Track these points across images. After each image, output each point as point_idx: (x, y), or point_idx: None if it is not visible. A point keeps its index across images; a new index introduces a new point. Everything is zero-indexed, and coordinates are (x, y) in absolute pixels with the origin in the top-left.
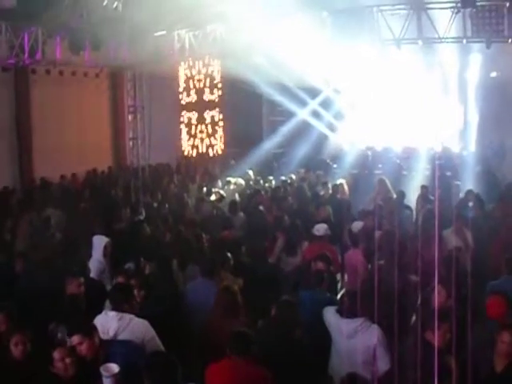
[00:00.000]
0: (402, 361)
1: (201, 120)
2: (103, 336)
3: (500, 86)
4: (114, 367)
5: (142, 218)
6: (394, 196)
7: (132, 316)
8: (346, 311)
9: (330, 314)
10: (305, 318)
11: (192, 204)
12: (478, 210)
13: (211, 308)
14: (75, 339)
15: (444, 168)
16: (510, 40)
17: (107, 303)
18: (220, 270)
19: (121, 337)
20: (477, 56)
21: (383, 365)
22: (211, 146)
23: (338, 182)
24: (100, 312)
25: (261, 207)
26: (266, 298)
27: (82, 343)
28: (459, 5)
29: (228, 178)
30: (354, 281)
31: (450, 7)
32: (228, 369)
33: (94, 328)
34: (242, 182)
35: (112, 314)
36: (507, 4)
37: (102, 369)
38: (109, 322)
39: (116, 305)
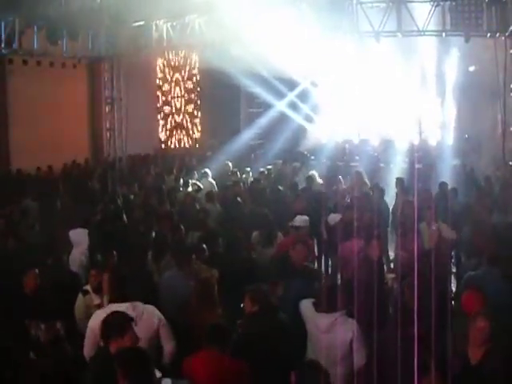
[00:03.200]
0: (379, 355)
1: (178, 111)
2: None
3: (478, 80)
4: None
5: (117, 209)
6: (369, 186)
7: (140, 303)
8: (322, 305)
9: (305, 308)
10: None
11: (169, 195)
12: (454, 200)
13: (187, 300)
14: None
15: (421, 161)
16: (488, 34)
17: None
18: (195, 261)
19: (140, 324)
20: (455, 50)
21: (359, 359)
22: (188, 137)
23: (310, 173)
24: (73, 302)
25: (238, 199)
26: (242, 290)
27: None
28: None
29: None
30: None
31: (430, 0)
32: (205, 362)
33: None
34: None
35: (122, 305)
36: None
37: None
38: None
39: (119, 297)
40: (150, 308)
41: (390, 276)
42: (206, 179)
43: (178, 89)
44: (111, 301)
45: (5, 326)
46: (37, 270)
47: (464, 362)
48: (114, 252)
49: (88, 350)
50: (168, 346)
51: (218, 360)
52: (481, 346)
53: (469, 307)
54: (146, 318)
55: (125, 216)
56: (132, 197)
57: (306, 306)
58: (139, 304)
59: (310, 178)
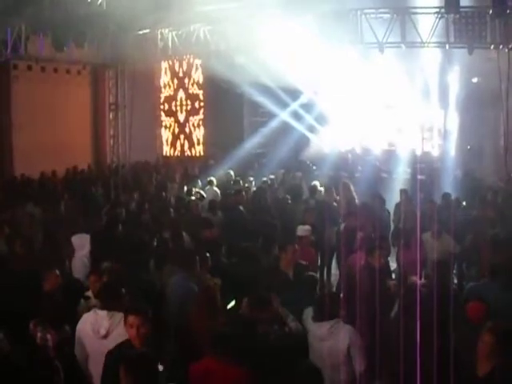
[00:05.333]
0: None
1: (181, 119)
2: (94, 335)
3: (481, 92)
4: None
5: (120, 216)
6: (355, 199)
7: (121, 314)
8: (317, 314)
9: (306, 317)
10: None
11: (171, 203)
12: (457, 211)
13: (191, 307)
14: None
15: (424, 172)
16: (492, 46)
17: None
18: (199, 270)
19: (112, 335)
20: (459, 61)
21: (359, 365)
22: (191, 145)
23: (313, 183)
24: (75, 309)
25: (241, 207)
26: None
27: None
28: (443, 10)
29: (210, 178)
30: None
31: (434, 12)
32: (209, 369)
33: None
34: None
35: (102, 312)
36: (490, 10)
37: None
38: (99, 321)
39: (105, 303)
40: None
41: (392, 282)
42: (211, 187)
43: (181, 97)
44: (101, 307)
45: (11, 328)
46: (57, 271)
47: (471, 373)
48: (114, 258)
49: (76, 351)
50: None
51: (221, 367)
52: (488, 359)
53: (474, 317)
54: (122, 328)
55: (127, 223)
56: (134, 204)
57: (307, 315)
58: (118, 314)
59: (313, 188)
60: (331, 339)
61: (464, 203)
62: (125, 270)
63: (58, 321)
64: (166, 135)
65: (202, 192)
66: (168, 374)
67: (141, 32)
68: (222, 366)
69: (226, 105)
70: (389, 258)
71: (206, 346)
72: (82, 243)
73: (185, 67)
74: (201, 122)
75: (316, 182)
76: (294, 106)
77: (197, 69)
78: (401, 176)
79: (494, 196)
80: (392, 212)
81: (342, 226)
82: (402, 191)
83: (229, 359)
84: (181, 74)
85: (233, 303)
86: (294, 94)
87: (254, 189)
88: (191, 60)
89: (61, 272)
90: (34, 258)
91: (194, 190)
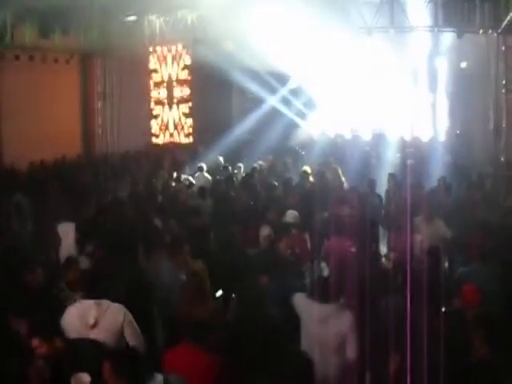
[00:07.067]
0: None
1: (170, 106)
2: (82, 326)
3: (469, 77)
4: (85, 377)
5: (108, 205)
6: (345, 184)
7: (107, 301)
8: (320, 296)
9: (300, 300)
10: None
11: (160, 191)
12: (448, 196)
13: (180, 295)
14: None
15: (413, 157)
16: (481, 30)
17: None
18: (187, 258)
19: (102, 323)
20: (448, 46)
21: (351, 352)
22: (180, 132)
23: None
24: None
25: (231, 193)
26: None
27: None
28: None
29: (200, 164)
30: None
31: None
32: (180, 355)
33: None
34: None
35: (88, 301)
36: None
37: (73, 379)
38: (86, 310)
39: (89, 291)
40: (116, 306)
41: (384, 268)
42: (201, 173)
43: (170, 84)
44: (84, 296)
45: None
46: (40, 269)
47: (465, 358)
48: (100, 247)
49: None
50: (133, 344)
51: (192, 354)
52: (479, 344)
53: (468, 301)
54: (110, 315)
55: (115, 211)
56: (123, 192)
57: (300, 297)
58: (105, 302)
59: (304, 174)
60: (329, 322)
61: (454, 188)
62: (111, 258)
63: (34, 309)
64: (154, 123)
65: (190, 179)
66: (156, 363)
67: (128, 19)
68: (194, 352)
69: (214, 91)
70: (380, 243)
71: (184, 333)
72: (67, 231)
73: (173, 54)
74: (189, 109)
75: (306, 168)
76: (283, 91)
77: (185, 56)
78: (390, 161)
79: (483, 181)
80: (383, 197)
81: (332, 211)
82: (391, 176)
83: (202, 347)
84: (169, 61)
85: (220, 292)
86: (283, 79)
87: (243, 175)
88: (179, 47)
89: (47, 261)
90: (20, 251)
91: (182, 176)
